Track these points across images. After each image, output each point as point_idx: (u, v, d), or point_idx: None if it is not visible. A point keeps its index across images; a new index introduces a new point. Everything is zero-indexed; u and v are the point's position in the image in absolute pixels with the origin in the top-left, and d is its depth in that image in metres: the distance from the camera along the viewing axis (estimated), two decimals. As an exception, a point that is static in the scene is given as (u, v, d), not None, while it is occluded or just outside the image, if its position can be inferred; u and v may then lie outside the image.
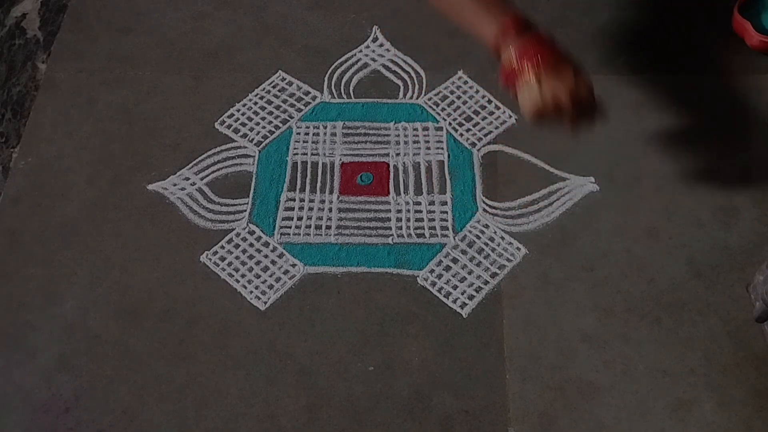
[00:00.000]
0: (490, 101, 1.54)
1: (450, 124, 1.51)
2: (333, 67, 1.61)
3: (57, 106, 1.57)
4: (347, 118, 1.53)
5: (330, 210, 1.41)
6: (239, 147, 1.50)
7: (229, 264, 1.35)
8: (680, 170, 1.43)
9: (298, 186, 1.44)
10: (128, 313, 1.30)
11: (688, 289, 1.30)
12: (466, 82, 1.57)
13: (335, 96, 1.56)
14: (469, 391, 1.21)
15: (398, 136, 1.50)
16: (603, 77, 1.56)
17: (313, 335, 1.27)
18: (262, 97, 1.57)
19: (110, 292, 1.33)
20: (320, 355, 1.25)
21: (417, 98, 1.55)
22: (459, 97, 1.55)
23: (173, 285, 1.33)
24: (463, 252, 1.35)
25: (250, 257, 1.36)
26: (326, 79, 1.59)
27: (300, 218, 1.40)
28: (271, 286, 1.32)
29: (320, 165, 1.47)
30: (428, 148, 1.48)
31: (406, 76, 1.59)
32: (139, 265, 1.35)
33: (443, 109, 1.54)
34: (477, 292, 1.31)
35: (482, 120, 1.52)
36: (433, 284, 1.32)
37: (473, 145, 1.48)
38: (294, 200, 1.42)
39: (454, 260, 1.34)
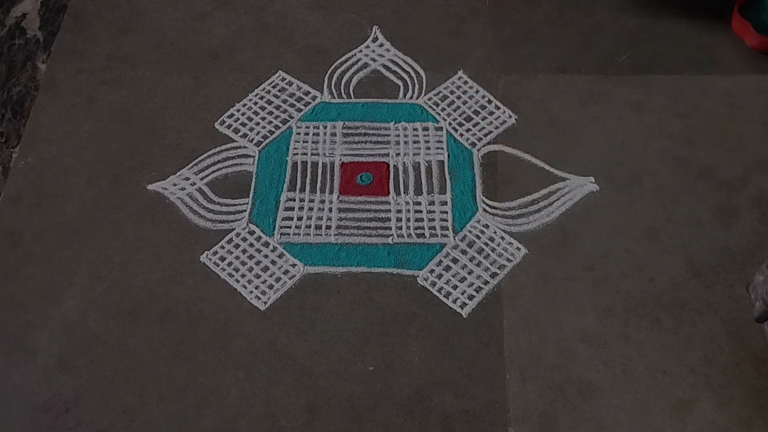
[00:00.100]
0: (490, 101, 1.54)
1: (450, 124, 1.51)
2: (333, 67, 1.61)
3: (57, 106, 1.57)
4: (347, 118, 1.53)
5: (330, 210, 1.41)
6: (239, 147, 1.50)
7: (229, 264, 1.35)
8: (680, 170, 1.43)
9: (298, 186, 1.44)
10: (128, 313, 1.30)
11: (688, 289, 1.30)
12: (466, 82, 1.57)
13: (335, 96, 1.56)
14: (469, 391, 1.21)
15: (398, 136, 1.50)
16: (603, 77, 1.57)
17: (313, 335, 1.27)
18: (262, 97, 1.57)
19: (110, 292, 1.33)
20: (320, 355, 1.25)
21: (417, 98, 1.55)
22: (459, 97, 1.55)
23: (173, 285, 1.33)
24: (463, 252, 1.35)
25: (250, 257, 1.36)
26: (326, 79, 1.59)
27: (300, 218, 1.40)
28: (271, 286, 1.32)
29: (320, 165, 1.47)
30: (428, 148, 1.48)
31: (406, 76, 1.59)
32: (139, 265, 1.35)
33: (443, 109, 1.53)
34: (477, 292, 1.31)
35: (482, 120, 1.52)
36: (433, 284, 1.32)
37: (473, 145, 1.48)
38: (294, 200, 1.42)
39: (454, 260, 1.34)
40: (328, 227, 1.39)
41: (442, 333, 1.27)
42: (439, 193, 1.43)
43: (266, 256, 1.36)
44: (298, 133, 1.51)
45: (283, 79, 1.59)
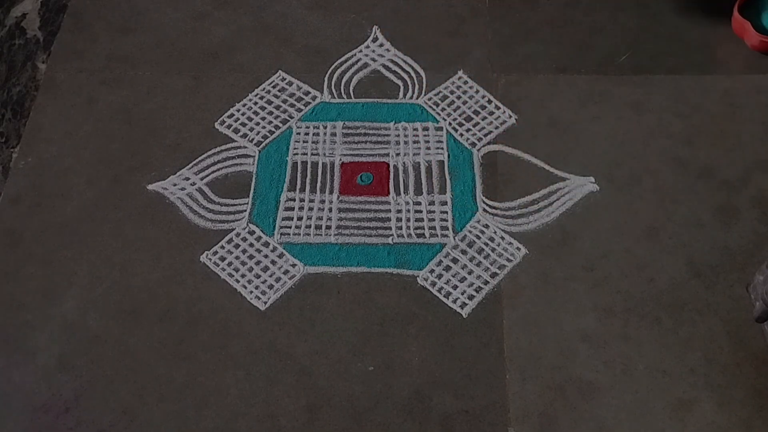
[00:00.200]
0: (490, 101, 1.54)
1: (450, 124, 1.51)
2: (333, 67, 1.61)
3: (57, 106, 1.57)
4: (347, 118, 1.53)
5: (330, 210, 1.41)
6: (239, 147, 1.50)
7: (229, 264, 1.35)
8: (680, 170, 1.43)
9: (298, 186, 1.44)
10: (128, 313, 1.30)
11: (688, 289, 1.30)
12: (466, 82, 1.57)
13: (335, 96, 1.56)
14: (469, 391, 1.21)
15: (398, 136, 1.50)
16: (603, 77, 1.57)
17: (313, 335, 1.27)
18: (262, 97, 1.57)
19: (110, 292, 1.33)
20: (320, 355, 1.25)
21: (417, 98, 1.55)
22: (459, 97, 1.55)
23: (173, 285, 1.33)
24: (463, 252, 1.35)
25: (250, 257, 1.36)
26: (326, 79, 1.59)
27: (300, 218, 1.40)
28: (271, 286, 1.32)
29: (320, 165, 1.47)
30: (428, 148, 1.48)
31: (406, 76, 1.59)
32: (139, 265, 1.35)
33: (443, 109, 1.53)
34: (477, 292, 1.31)
35: (482, 120, 1.52)
36: (433, 284, 1.32)
37: (473, 145, 1.48)
38: (294, 200, 1.42)
39: (454, 260, 1.34)
40: (328, 227, 1.39)
41: (442, 333, 1.27)
42: (439, 193, 1.43)
43: (266, 256, 1.36)
44: (298, 133, 1.51)
45: (283, 79, 1.59)
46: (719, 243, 1.34)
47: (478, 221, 1.39)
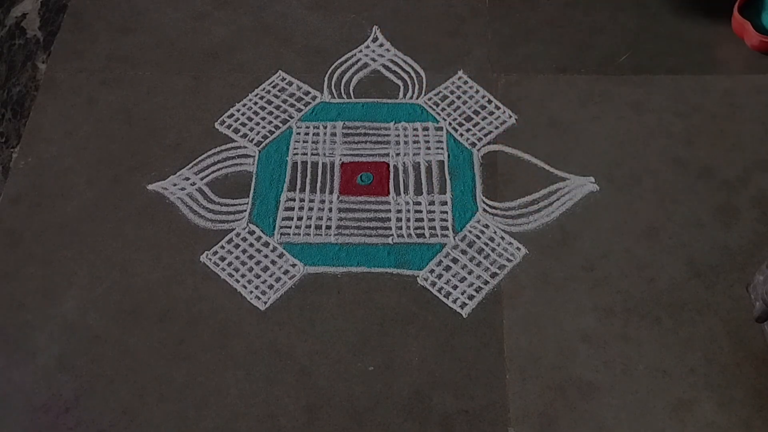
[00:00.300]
0: (490, 101, 1.54)
1: (450, 124, 1.51)
2: (333, 67, 1.61)
3: (57, 106, 1.57)
4: (347, 118, 1.53)
5: (330, 210, 1.41)
6: (239, 147, 1.50)
7: (229, 264, 1.35)
8: (680, 170, 1.43)
9: (298, 186, 1.44)
10: (128, 313, 1.30)
11: (688, 289, 1.30)
12: (466, 82, 1.57)
13: (335, 96, 1.56)
14: (469, 391, 1.21)
15: (398, 136, 1.50)
16: (603, 77, 1.57)
17: (313, 335, 1.27)
18: (262, 97, 1.57)
19: (110, 292, 1.33)
20: (320, 355, 1.25)
21: (417, 98, 1.55)
22: (459, 97, 1.55)
23: (173, 285, 1.33)
24: (463, 252, 1.35)
25: (250, 257, 1.36)
26: (326, 79, 1.59)
27: (300, 218, 1.40)
28: (271, 286, 1.32)
29: (320, 165, 1.47)
30: (428, 148, 1.48)
31: (406, 76, 1.59)
32: (139, 265, 1.35)
33: (443, 109, 1.53)
34: (477, 292, 1.31)
35: (482, 120, 1.52)
36: (433, 284, 1.32)
37: (473, 145, 1.48)
38: (294, 200, 1.42)
39: (454, 260, 1.34)
40: (328, 227, 1.39)
41: (442, 333, 1.27)
42: (439, 193, 1.43)
43: (266, 256, 1.36)
44: (298, 133, 1.51)
45: (283, 79, 1.59)
46: (719, 243, 1.34)
47: (478, 221, 1.39)
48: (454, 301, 1.30)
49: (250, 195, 1.43)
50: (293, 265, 1.35)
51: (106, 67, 1.63)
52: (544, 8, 1.68)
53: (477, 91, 1.55)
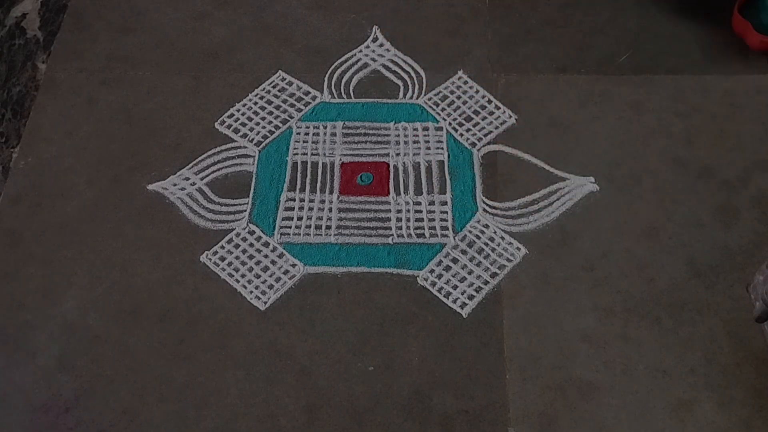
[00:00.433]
0: (490, 101, 1.54)
1: (450, 124, 1.51)
2: (333, 67, 1.61)
3: (57, 106, 1.57)
4: (347, 118, 1.53)
5: (330, 210, 1.41)
6: (239, 147, 1.50)
7: (229, 264, 1.35)
8: (680, 170, 1.43)
9: (298, 186, 1.44)
10: (128, 313, 1.30)
11: (688, 289, 1.30)
12: (466, 82, 1.57)
13: (335, 96, 1.56)
14: (469, 391, 1.21)
15: (398, 136, 1.50)
16: (603, 77, 1.57)
17: (313, 335, 1.27)
18: (262, 97, 1.57)
19: (110, 292, 1.33)
20: (320, 355, 1.25)
21: (417, 98, 1.55)
22: (459, 97, 1.55)
23: (173, 285, 1.33)
24: (463, 252, 1.35)
25: (250, 257, 1.36)
26: (326, 79, 1.59)
27: (300, 218, 1.40)
28: (271, 286, 1.32)
29: (320, 165, 1.47)
30: (428, 148, 1.48)
31: (406, 76, 1.59)
32: (139, 265, 1.35)
33: (443, 109, 1.53)
34: (477, 292, 1.31)
35: (482, 120, 1.52)
36: (433, 284, 1.32)
37: (473, 145, 1.48)
38: (294, 200, 1.42)
39: (454, 260, 1.34)
40: (328, 227, 1.39)
41: (442, 333, 1.27)
42: (439, 193, 1.43)
43: (266, 256, 1.36)
44: (298, 133, 1.51)
45: (283, 79, 1.59)
46: (719, 243, 1.34)
47: (478, 221, 1.39)
48: (454, 301, 1.30)
49: (250, 195, 1.43)
50: (293, 265, 1.35)
51: (106, 67, 1.63)
52: (544, 8, 1.68)
53: (477, 91, 1.55)
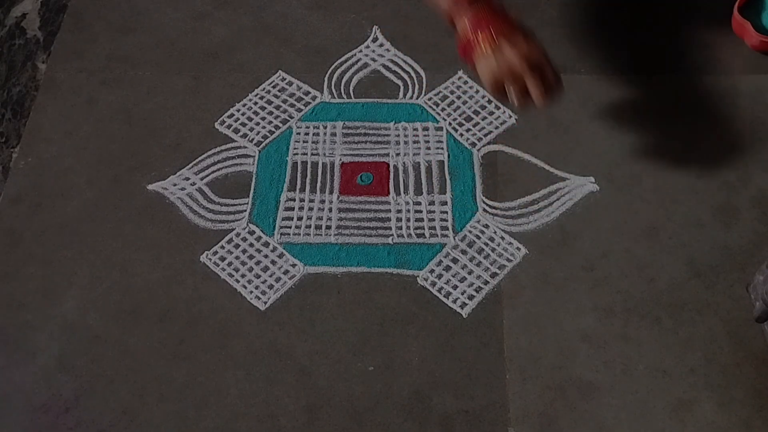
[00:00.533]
0: (490, 101, 1.54)
1: (450, 124, 1.51)
2: (333, 67, 1.61)
3: (57, 106, 1.57)
4: (347, 118, 1.53)
5: (330, 210, 1.41)
6: (239, 147, 1.50)
7: (229, 264, 1.35)
8: (680, 170, 1.43)
9: (298, 186, 1.44)
10: (128, 313, 1.30)
11: (688, 289, 1.30)
12: (466, 82, 1.57)
13: (335, 96, 1.56)
14: (469, 391, 1.21)
15: (398, 136, 1.50)
16: (603, 77, 1.57)
17: (313, 335, 1.27)
18: (262, 97, 1.57)
19: (110, 292, 1.33)
20: (320, 355, 1.25)
21: (417, 98, 1.55)
22: (459, 97, 1.55)
23: (173, 285, 1.33)
24: (463, 252, 1.35)
25: (250, 257, 1.36)
26: (326, 79, 1.59)
27: (300, 218, 1.40)
28: (271, 286, 1.32)
29: (320, 165, 1.47)
30: (428, 148, 1.48)
31: (406, 76, 1.59)
32: (139, 265, 1.35)
33: (443, 109, 1.54)
34: (477, 292, 1.31)
35: (482, 120, 1.52)
36: (433, 284, 1.32)
37: (473, 145, 1.48)
38: (294, 200, 1.42)
39: (454, 260, 1.34)
40: (328, 227, 1.39)
41: (442, 333, 1.27)
42: (439, 193, 1.43)
43: (266, 256, 1.36)
44: (298, 133, 1.51)
45: (283, 79, 1.59)
46: (719, 243, 1.34)
47: (478, 221, 1.39)
48: (454, 301, 1.30)
49: (250, 195, 1.43)
50: (293, 265, 1.35)
51: (106, 67, 1.63)
52: (544, 8, 1.69)
53: (477, 91, 1.55)
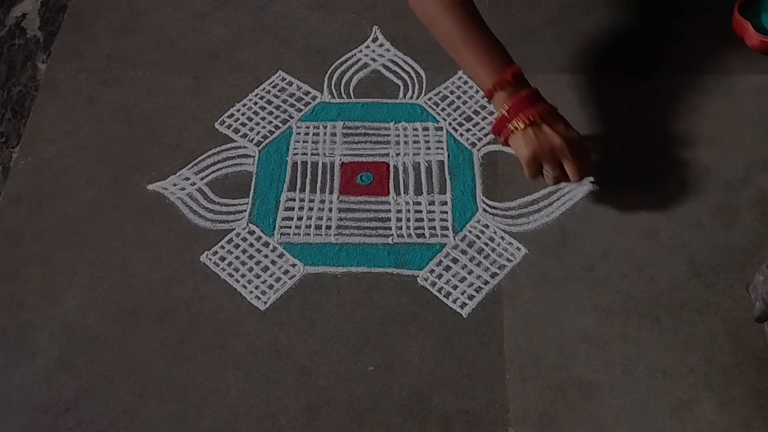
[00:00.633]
0: (490, 101, 1.53)
1: (450, 124, 1.51)
2: (333, 67, 1.61)
3: (57, 106, 1.57)
4: (347, 118, 1.53)
5: (330, 210, 1.41)
6: (239, 147, 1.50)
7: (229, 264, 1.35)
8: (680, 170, 1.43)
9: (298, 186, 1.44)
10: (128, 313, 1.30)
11: (688, 289, 1.30)
12: (466, 82, 1.57)
13: (335, 96, 1.56)
14: (469, 391, 1.21)
15: (398, 136, 1.50)
16: (603, 77, 1.57)
17: (313, 335, 1.27)
18: (262, 97, 1.57)
19: (110, 292, 1.33)
20: (320, 355, 1.25)
21: (417, 98, 1.55)
22: (459, 97, 1.55)
23: (173, 285, 1.33)
24: (463, 252, 1.35)
25: (250, 257, 1.36)
26: (326, 79, 1.59)
27: (300, 218, 1.40)
28: (271, 286, 1.32)
29: (320, 165, 1.47)
30: (428, 148, 1.48)
31: (406, 76, 1.59)
32: (139, 265, 1.35)
33: (443, 109, 1.54)
34: (477, 292, 1.31)
35: (482, 120, 1.52)
36: (433, 284, 1.32)
37: (473, 145, 1.48)
38: (294, 200, 1.42)
39: (454, 260, 1.34)
40: (328, 227, 1.39)
41: (442, 333, 1.27)
42: (439, 193, 1.43)
43: (266, 256, 1.36)
44: (298, 133, 1.51)
45: (283, 79, 1.59)
46: (719, 243, 1.34)
47: (478, 221, 1.39)
48: (454, 301, 1.30)
49: (250, 195, 1.43)
50: (293, 265, 1.35)
51: (106, 67, 1.63)
52: (544, 8, 1.69)
53: (477, 91, 1.55)
